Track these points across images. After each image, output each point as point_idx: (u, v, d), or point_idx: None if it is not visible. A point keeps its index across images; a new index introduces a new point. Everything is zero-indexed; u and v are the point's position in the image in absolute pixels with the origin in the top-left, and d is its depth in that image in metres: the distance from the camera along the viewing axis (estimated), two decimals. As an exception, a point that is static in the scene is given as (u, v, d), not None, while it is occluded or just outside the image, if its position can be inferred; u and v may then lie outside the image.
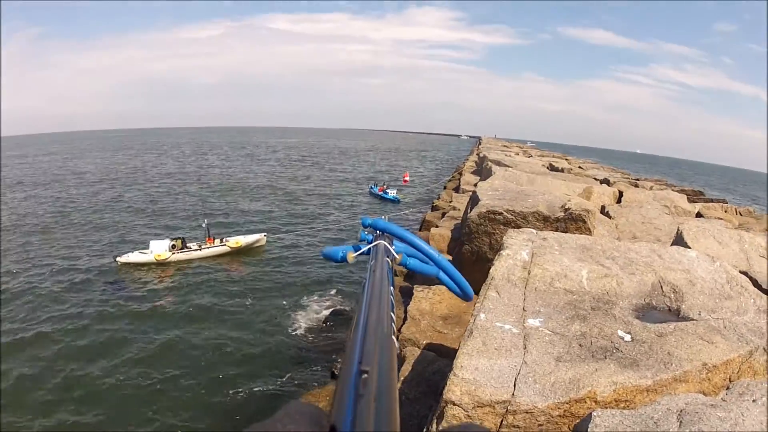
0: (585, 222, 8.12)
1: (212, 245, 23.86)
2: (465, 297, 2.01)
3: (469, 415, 3.45)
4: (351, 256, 1.62)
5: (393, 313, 0.99)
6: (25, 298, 17.89)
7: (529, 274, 4.87)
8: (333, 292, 18.60)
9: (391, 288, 1.17)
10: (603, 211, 12.14)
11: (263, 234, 25.87)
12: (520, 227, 6.87)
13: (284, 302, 17.69)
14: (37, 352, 13.92)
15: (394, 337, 0.84)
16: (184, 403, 11.38)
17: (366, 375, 0.60)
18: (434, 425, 3.64)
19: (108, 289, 18.87)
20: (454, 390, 3.50)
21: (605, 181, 21.06)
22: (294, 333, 14.95)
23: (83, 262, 22.85)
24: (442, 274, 1.89)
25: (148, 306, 17.28)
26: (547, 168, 24.75)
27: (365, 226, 1.81)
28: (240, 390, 11.87)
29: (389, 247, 1.55)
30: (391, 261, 1.50)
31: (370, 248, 1.56)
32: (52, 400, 11.53)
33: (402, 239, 1.76)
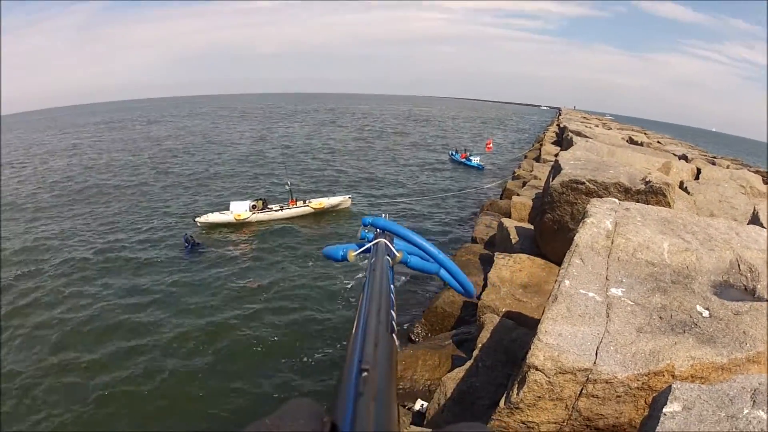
0: (665, 196, 7.87)
1: (294, 206, 23.60)
2: (467, 294, 2.02)
3: (550, 381, 3.48)
4: (351, 254, 1.62)
5: (393, 311, 1.00)
6: (113, 254, 18.75)
7: (612, 243, 4.82)
8: None
9: (392, 286, 1.17)
10: (681, 186, 11.75)
11: (348, 196, 25.37)
12: (602, 198, 6.72)
13: (346, 268, 17.21)
14: (125, 303, 14.45)
15: (394, 336, 0.85)
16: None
17: (366, 373, 0.62)
18: (515, 390, 3.69)
19: (183, 251, 18.84)
20: (537, 355, 3.53)
21: (683, 157, 20.03)
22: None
23: (162, 223, 23.36)
24: (443, 272, 1.88)
25: (220, 268, 17.10)
26: (626, 141, 23.85)
27: (365, 225, 1.82)
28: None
29: (389, 245, 1.55)
30: (392, 259, 1.49)
31: (370, 246, 1.56)
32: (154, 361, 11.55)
33: (402, 237, 1.76)
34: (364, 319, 0.81)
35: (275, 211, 23.23)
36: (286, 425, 0.54)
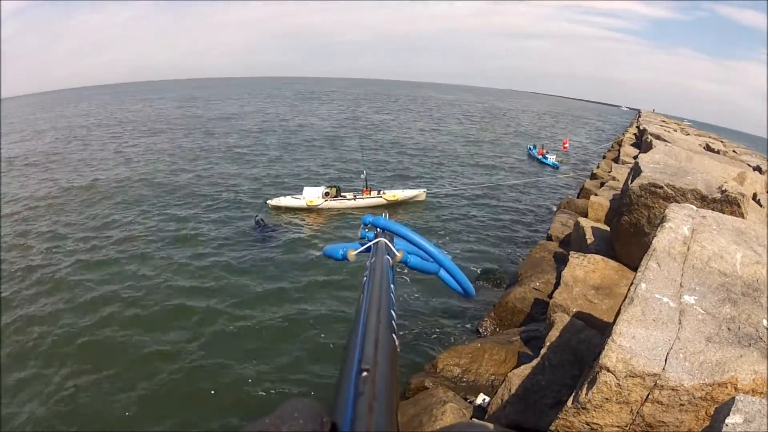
0: (740, 206, 7.54)
1: (368, 196, 22.94)
2: (466, 294, 1.99)
3: (619, 384, 3.51)
4: (351, 254, 1.62)
5: (393, 310, 0.99)
6: (184, 232, 19.02)
7: (688, 250, 4.74)
8: (485, 248, 18.06)
9: (392, 285, 1.17)
10: (754, 198, 11.14)
11: (423, 189, 24.59)
12: (678, 203, 6.53)
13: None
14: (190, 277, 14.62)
15: (394, 335, 0.84)
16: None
17: (366, 373, 0.62)
18: (584, 390, 3.72)
19: (253, 233, 18.73)
20: (610, 356, 3.54)
21: (757, 169, 18.85)
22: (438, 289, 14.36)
23: (234, 204, 23.55)
24: (442, 272, 1.86)
25: (288, 254, 16.83)
26: (703, 148, 22.76)
27: (366, 224, 1.81)
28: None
29: (389, 244, 1.54)
30: (392, 258, 1.47)
31: (370, 246, 1.55)
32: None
33: (403, 237, 1.74)
34: (364, 318, 0.81)
35: (348, 199, 22.87)
36: (285, 425, 0.54)
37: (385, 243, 1.52)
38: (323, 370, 10.05)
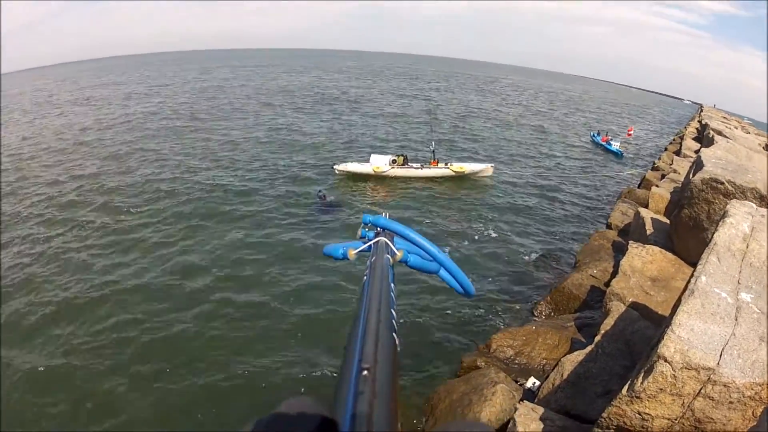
0: None
1: (435, 167, 22.78)
2: (466, 294, 2.00)
3: (675, 375, 3.56)
4: (351, 252, 1.60)
5: (394, 309, 0.99)
6: (261, 195, 19.71)
7: (747, 247, 4.72)
8: (544, 231, 17.87)
9: (392, 284, 1.16)
10: None
11: (490, 164, 24.25)
12: (739, 200, 6.38)
13: (491, 232, 16.94)
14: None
15: (394, 334, 0.84)
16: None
17: (366, 372, 0.61)
18: (640, 379, 3.79)
19: (313, 206, 18.69)
20: (669, 346, 3.59)
21: None
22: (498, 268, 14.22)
23: (301, 167, 24.21)
24: (443, 272, 1.86)
25: (346, 233, 16.30)
26: (763, 148, 21.79)
27: (366, 224, 1.81)
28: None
29: (390, 243, 1.54)
30: (392, 258, 1.46)
31: (370, 245, 1.55)
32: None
33: (403, 236, 1.73)
34: (365, 317, 0.82)
35: (414, 168, 22.65)
36: (284, 424, 0.54)
37: (386, 242, 1.52)
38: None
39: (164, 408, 8.29)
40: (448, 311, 11.49)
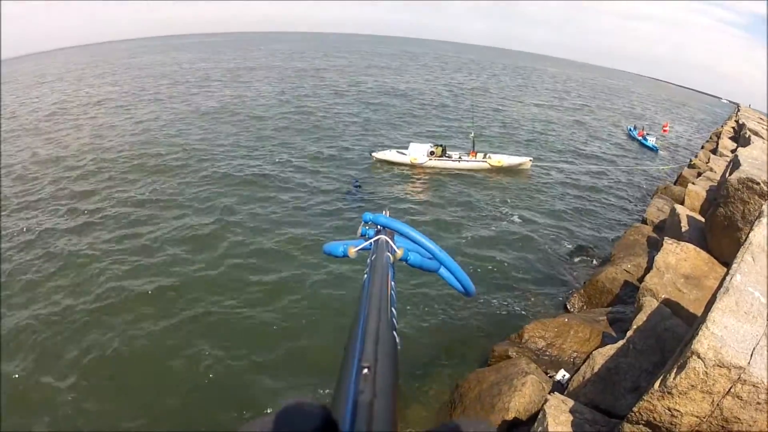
0: None
1: (473, 159, 22.63)
2: (466, 293, 1.99)
3: (706, 372, 3.60)
4: (352, 250, 1.61)
5: (394, 308, 0.99)
6: (295, 180, 19.92)
7: None
8: (580, 224, 17.76)
9: (392, 283, 1.16)
10: None
11: (529, 158, 24.14)
12: (772, 202, 6.30)
13: (524, 222, 17.03)
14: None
15: (395, 333, 0.83)
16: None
17: (366, 371, 0.62)
18: (672, 375, 3.84)
19: (349, 193, 18.74)
20: (703, 342, 3.63)
21: None
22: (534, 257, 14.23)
23: (338, 152, 24.49)
24: (443, 270, 1.85)
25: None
26: None
27: (366, 222, 1.80)
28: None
29: (390, 242, 1.54)
30: (393, 256, 1.46)
31: (371, 243, 1.55)
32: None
33: (403, 235, 1.73)
34: (365, 316, 0.82)
35: (453, 160, 22.49)
36: (284, 424, 0.55)
37: (386, 240, 1.53)
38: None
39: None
40: (481, 299, 11.58)
